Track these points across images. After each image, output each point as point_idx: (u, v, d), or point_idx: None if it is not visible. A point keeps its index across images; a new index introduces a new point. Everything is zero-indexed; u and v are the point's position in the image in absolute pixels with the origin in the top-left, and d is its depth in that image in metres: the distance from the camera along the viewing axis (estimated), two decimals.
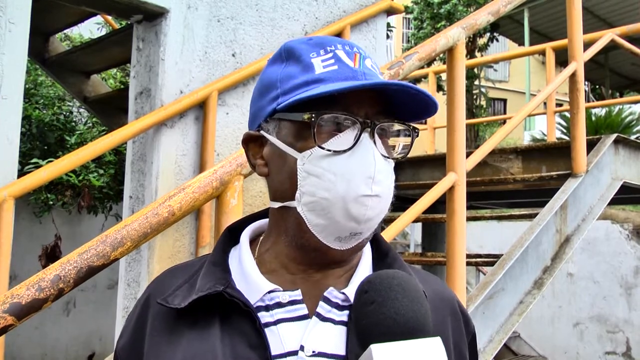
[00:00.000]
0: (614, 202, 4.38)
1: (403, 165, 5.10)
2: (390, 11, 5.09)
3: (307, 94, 0.95)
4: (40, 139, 5.57)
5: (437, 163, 4.79)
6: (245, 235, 1.10)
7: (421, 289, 0.88)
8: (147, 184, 3.65)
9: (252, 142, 1.08)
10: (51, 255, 5.75)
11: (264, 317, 0.98)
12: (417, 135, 1.05)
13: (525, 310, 3.25)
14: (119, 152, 5.51)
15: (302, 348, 0.95)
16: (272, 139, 1.03)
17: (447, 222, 2.98)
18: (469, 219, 3.27)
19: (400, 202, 5.60)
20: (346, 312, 0.99)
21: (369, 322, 0.84)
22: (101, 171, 5.40)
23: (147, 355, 1.00)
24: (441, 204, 3.16)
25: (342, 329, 0.98)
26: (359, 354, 0.93)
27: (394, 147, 1.04)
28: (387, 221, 4.36)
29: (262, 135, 1.06)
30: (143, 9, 3.70)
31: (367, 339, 0.83)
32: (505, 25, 16.67)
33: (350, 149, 0.96)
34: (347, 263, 1.05)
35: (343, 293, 1.01)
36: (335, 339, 0.97)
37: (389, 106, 1.02)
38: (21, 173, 3.74)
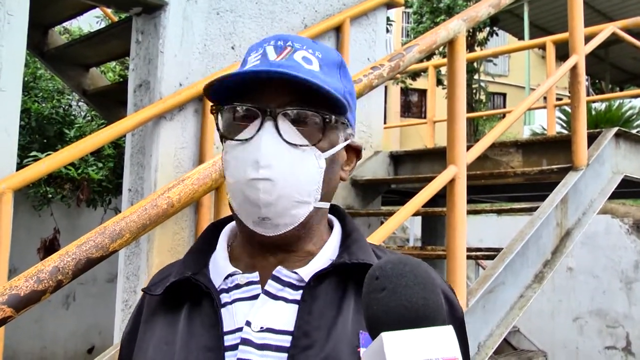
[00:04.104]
0: (614, 196, 4.37)
1: (403, 159, 5.09)
2: (390, 4, 5.08)
3: (204, 85, 1.06)
4: (39, 132, 5.55)
5: (437, 157, 4.78)
6: (225, 230, 1.17)
7: (433, 276, 0.89)
8: (146, 177, 3.64)
9: None
10: (49, 248, 5.75)
11: (224, 298, 1.04)
12: (329, 122, 1.05)
13: (526, 305, 3.24)
14: (118, 145, 5.50)
15: (248, 323, 0.99)
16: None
17: (448, 215, 2.97)
18: (468, 212, 3.26)
19: (400, 196, 5.58)
20: (300, 291, 1.03)
21: (379, 309, 0.83)
22: (100, 164, 5.39)
23: (137, 342, 1.09)
24: (441, 198, 3.15)
25: (294, 307, 1.02)
26: (308, 331, 0.98)
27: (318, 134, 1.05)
28: (386, 215, 4.35)
29: None
30: (142, 2, 3.69)
31: (377, 326, 0.82)
32: (505, 20, 16.61)
33: (251, 138, 1.02)
34: (293, 248, 1.08)
35: (296, 272, 1.05)
36: (285, 316, 1.01)
37: (311, 96, 1.03)
38: (20, 166, 3.72)
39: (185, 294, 1.05)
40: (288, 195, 1.03)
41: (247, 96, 1.04)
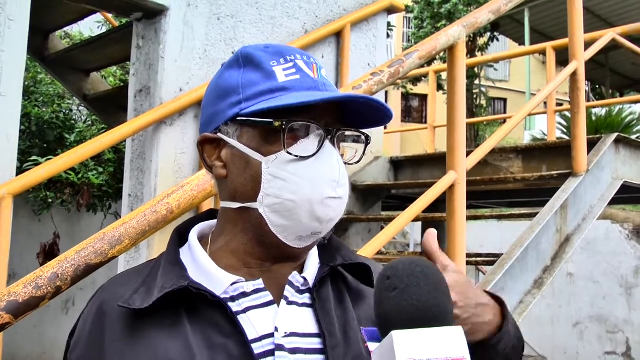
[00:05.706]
0: (614, 201, 4.37)
1: (403, 164, 5.09)
2: (390, 10, 5.08)
3: (280, 103, 1.00)
4: (39, 137, 5.56)
5: (438, 162, 4.78)
6: (193, 235, 1.14)
7: (443, 277, 0.90)
8: (146, 182, 3.64)
9: (208, 144, 1.11)
10: (49, 253, 5.75)
11: (232, 307, 1.01)
12: (369, 142, 1.13)
13: (526, 310, 3.24)
14: (118, 150, 5.50)
15: (276, 329, 0.99)
16: (233, 142, 1.07)
17: (447, 221, 2.97)
18: (468, 218, 3.26)
19: (400, 201, 5.57)
20: (307, 294, 1.06)
21: (390, 308, 0.86)
22: (100, 169, 5.39)
23: None
24: (441, 203, 3.15)
25: (307, 310, 1.04)
26: (332, 331, 1.00)
27: (342, 154, 1.10)
28: (387, 220, 4.35)
29: (219, 137, 1.09)
30: (143, 7, 3.69)
31: (388, 325, 0.84)
32: (506, 25, 16.62)
33: (314, 154, 1.03)
34: (301, 259, 1.11)
35: (303, 277, 1.07)
36: (303, 320, 1.02)
37: (344, 114, 1.10)
38: (20, 171, 3.71)
39: (179, 305, 1.00)
40: (342, 211, 1.08)
41: (299, 112, 1.03)
